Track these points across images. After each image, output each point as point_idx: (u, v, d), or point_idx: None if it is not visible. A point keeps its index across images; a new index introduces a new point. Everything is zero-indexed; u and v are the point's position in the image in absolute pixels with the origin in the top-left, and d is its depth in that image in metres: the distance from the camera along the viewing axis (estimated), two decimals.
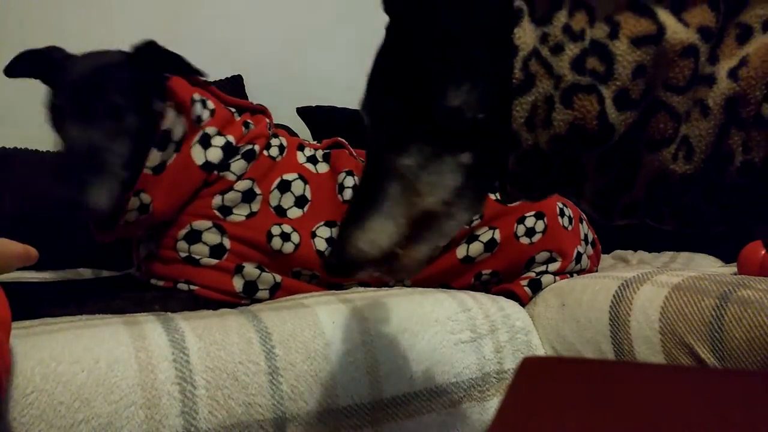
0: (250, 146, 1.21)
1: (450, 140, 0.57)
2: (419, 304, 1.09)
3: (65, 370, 0.78)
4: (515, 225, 1.26)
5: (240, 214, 1.18)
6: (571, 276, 1.30)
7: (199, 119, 1.17)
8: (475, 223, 1.25)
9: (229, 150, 1.19)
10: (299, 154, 1.29)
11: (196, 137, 1.16)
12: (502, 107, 0.56)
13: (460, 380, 1.03)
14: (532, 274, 1.27)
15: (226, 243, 1.16)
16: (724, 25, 0.52)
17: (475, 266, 1.26)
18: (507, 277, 1.28)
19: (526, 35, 0.54)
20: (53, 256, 1.44)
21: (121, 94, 1.08)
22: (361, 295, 1.09)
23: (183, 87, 1.17)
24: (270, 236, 1.18)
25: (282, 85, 1.90)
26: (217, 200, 1.17)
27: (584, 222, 1.39)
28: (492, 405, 1.06)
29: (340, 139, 1.37)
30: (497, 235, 1.25)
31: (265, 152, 1.23)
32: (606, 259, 1.66)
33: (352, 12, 2.04)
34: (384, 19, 0.62)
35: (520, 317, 1.17)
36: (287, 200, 1.22)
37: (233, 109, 1.26)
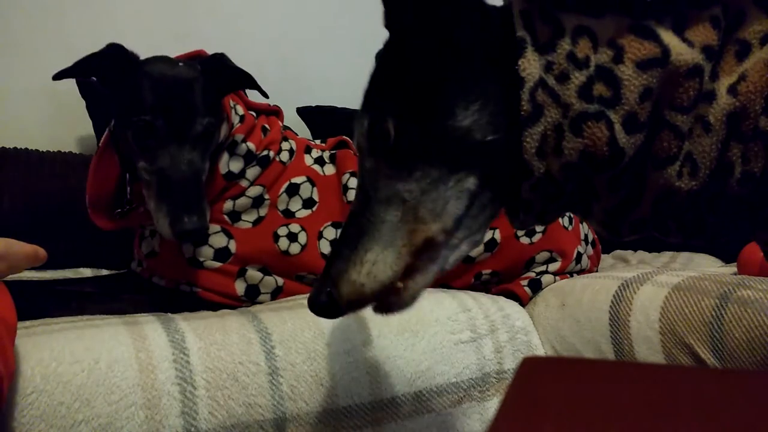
0: (265, 152, 1.22)
1: (457, 163, 0.55)
2: (419, 304, 1.08)
3: (65, 370, 0.78)
4: None
5: (248, 220, 1.19)
6: (571, 276, 1.30)
7: (233, 126, 1.18)
8: None
9: (249, 158, 1.19)
10: (307, 156, 1.30)
11: (227, 143, 1.17)
12: (511, 129, 0.54)
13: (460, 380, 1.03)
14: (532, 274, 1.27)
15: (232, 247, 1.16)
16: (724, 41, 0.52)
17: (475, 266, 1.26)
18: (507, 277, 1.28)
19: (530, 66, 0.53)
20: (53, 256, 1.44)
21: (210, 114, 1.08)
22: None
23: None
24: (277, 237, 1.18)
25: (282, 85, 1.90)
26: (228, 205, 1.17)
27: (584, 222, 1.39)
28: (492, 405, 1.06)
29: (345, 138, 1.37)
30: (497, 235, 1.25)
31: (277, 158, 1.24)
32: (606, 259, 1.66)
33: (352, 12, 2.05)
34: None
35: (520, 317, 1.17)
36: (295, 203, 1.22)
37: (253, 113, 1.27)
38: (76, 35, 1.75)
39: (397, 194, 0.56)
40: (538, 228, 1.27)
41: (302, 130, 1.83)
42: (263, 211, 1.20)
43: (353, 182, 1.26)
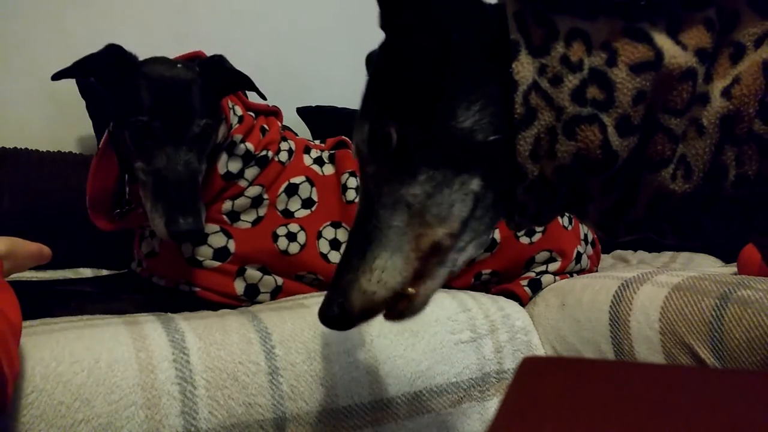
0: (264, 152, 1.22)
1: (461, 165, 0.54)
2: None
3: (65, 370, 0.78)
4: None
5: (247, 220, 1.19)
6: (571, 276, 1.30)
7: (231, 127, 1.18)
8: None
9: (247, 158, 1.19)
10: (306, 156, 1.30)
11: (225, 144, 1.17)
12: (507, 131, 0.54)
13: (460, 380, 1.03)
14: (532, 274, 1.27)
15: (231, 246, 1.16)
16: (718, 43, 0.52)
17: (475, 266, 1.26)
18: (507, 276, 1.28)
19: (524, 69, 0.53)
20: (53, 256, 1.44)
21: (207, 115, 1.08)
22: None
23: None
24: (276, 237, 1.18)
25: (282, 85, 1.90)
26: (227, 205, 1.17)
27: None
28: (492, 405, 1.06)
29: (344, 138, 1.37)
30: (497, 235, 1.25)
31: (275, 158, 1.24)
32: (606, 259, 1.66)
33: (352, 12, 2.04)
34: None
35: (520, 317, 1.17)
36: (294, 203, 1.22)
37: (252, 114, 1.27)
38: (75, 35, 1.75)
39: (402, 199, 0.56)
40: (538, 228, 1.27)
41: (302, 130, 1.83)
42: (262, 211, 1.20)
43: (352, 182, 1.26)
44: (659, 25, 0.52)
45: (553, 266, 1.28)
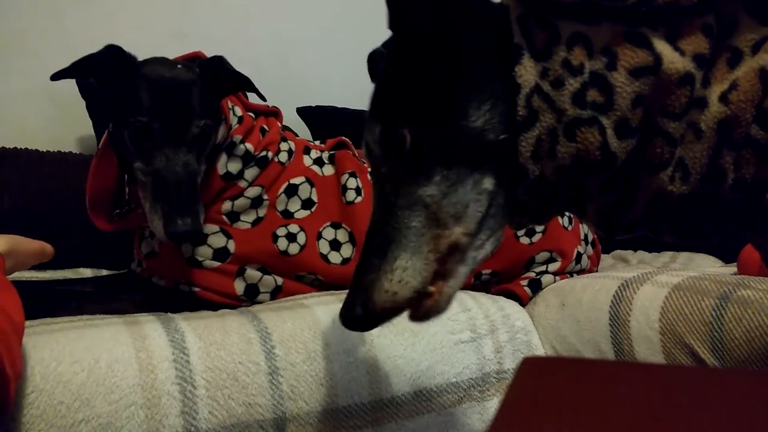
0: (264, 153, 1.22)
1: (473, 164, 0.55)
2: None
3: (65, 369, 0.78)
4: None
5: (246, 220, 1.19)
6: (571, 276, 1.30)
7: (231, 127, 1.18)
8: None
9: (247, 158, 1.19)
10: (306, 157, 1.30)
11: (224, 145, 1.17)
12: (511, 132, 0.55)
13: (460, 380, 1.03)
14: (532, 274, 1.27)
15: (231, 247, 1.16)
16: (716, 48, 0.53)
17: None
18: (507, 277, 1.28)
19: (527, 72, 0.54)
20: (53, 256, 1.45)
21: (207, 116, 1.07)
22: None
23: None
24: (275, 237, 1.18)
25: (282, 85, 1.90)
26: (226, 206, 1.17)
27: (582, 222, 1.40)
28: (492, 405, 1.06)
29: (344, 138, 1.37)
30: None
31: (275, 158, 1.24)
32: (606, 259, 1.66)
33: (352, 12, 2.05)
34: (384, 18, 0.60)
35: (520, 317, 1.17)
36: (294, 204, 1.22)
37: (252, 114, 1.27)
38: (75, 35, 1.75)
39: (419, 199, 0.56)
40: (538, 228, 1.27)
41: (302, 131, 1.83)
42: (262, 212, 1.20)
43: (352, 183, 1.26)
44: (659, 31, 0.52)
45: (553, 266, 1.28)
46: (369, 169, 0.74)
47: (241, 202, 1.18)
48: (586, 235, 1.38)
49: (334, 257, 1.21)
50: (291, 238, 1.19)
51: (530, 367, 0.47)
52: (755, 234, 0.57)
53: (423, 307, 0.57)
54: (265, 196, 1.21)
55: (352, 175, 1.27)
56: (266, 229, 1.19)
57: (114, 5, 1.83)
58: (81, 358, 0.80)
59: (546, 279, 1.26)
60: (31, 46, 1.72)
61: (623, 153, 0.53)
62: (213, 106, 1.12)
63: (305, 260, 1.19)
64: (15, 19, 1.71)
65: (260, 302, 1.17)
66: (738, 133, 0.52)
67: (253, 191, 1.19)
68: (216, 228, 1.16)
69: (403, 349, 1.01)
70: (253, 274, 1.17)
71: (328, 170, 1.29)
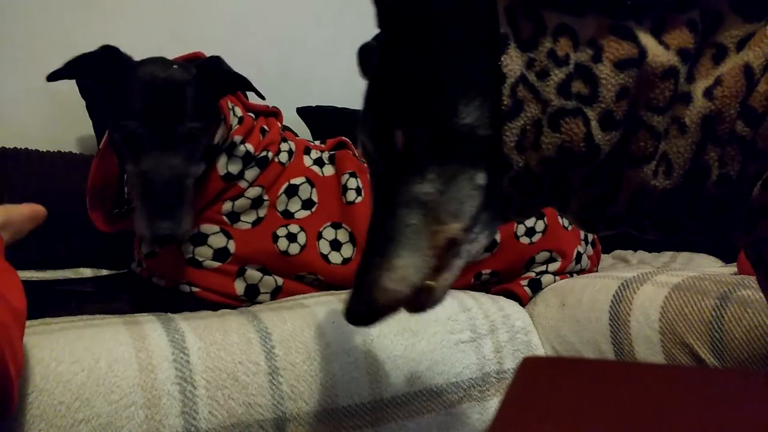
0: (264, 153, 1.22)
1: (466, 161, 0.56)
2: None
3: (65, 369, 0.78)
4: (515, 224, 1.26)
5: (247, 221, 1.19)
6: (571, 276, 1.30)
7: (231, 128, 1.18)
8: None
9: (247, 159, 1.19)
10: (306, 157, 1.30)
11: (225, 145, 1.17)
12: (496, 124, 0.55)
13: (460, 380, 1.03)
14: (532, 274, 1.27)
15: (231, 247, 1.16)
16: (701, 44, 0.53)
17: (475, 266, 1.26)
18: (507, 276, 1.28)
19: (512, 62, 0.54)
20: (53, 256, 1.45)
21: (198, 119, 1.07)
22: None
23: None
24: (276, 237, 1.18)
25: (282, 85, 1.90)
26: (227, 206, 1.17)
27: (562, 217, 1.39)
28: (492, 405, 1.06)
29: (344, 138, 1.37)
30: (497, 235, 1.25)
31: (275, 159, 1.24)
32: (606, 259, 1.66)
33: (352, 12, 2.04)
34: None
35: (520, 317, 1.17)
36: (294, 204, 1.22)
37: (252, 114, 1.27)
38: (75, 35, 1.75)
39: (416, 197, 0.57)
40: (538, 228, 1.27)
41: (302, 131, 1.83)
42: (262, 212, 1.20)
43: (352, 183, 1.26)
44: (645, 24, 0.53)
45: (553, 266, 1.28)
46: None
47: (241, 202, 1.18)
48: (586, 235, 1.38)
49: (335, 257, 1.21)
50: (291, 238, 1.19)
51: (530, 367, 0.47)
52: (738, 231, 0.57)
53: (420, 300, 0.59)
54: (266, 197, 1.21)
55: (353, 175, 1.27)
56: (266, 229, 1.19)
57: (113, 6, 1.83)
58: (81, 358, 0.80)
59: (546, 279, 1.26)
60: (31, 46, 1.72)
61: (607, 145, 0.53)
62: (209, 106, 1.12)
63: (305, 260, 1.19)
64: (15, 19, 1.71)
65: (260, 302, 1.17)
66: (722, 129, 0.52)
67: (253, 191, 1.19)
68: (216, 228, 1.16)
69: (403, 349, 1.01)
70: (253, 274, 1.17)
71: (329, 170, 1.29)
